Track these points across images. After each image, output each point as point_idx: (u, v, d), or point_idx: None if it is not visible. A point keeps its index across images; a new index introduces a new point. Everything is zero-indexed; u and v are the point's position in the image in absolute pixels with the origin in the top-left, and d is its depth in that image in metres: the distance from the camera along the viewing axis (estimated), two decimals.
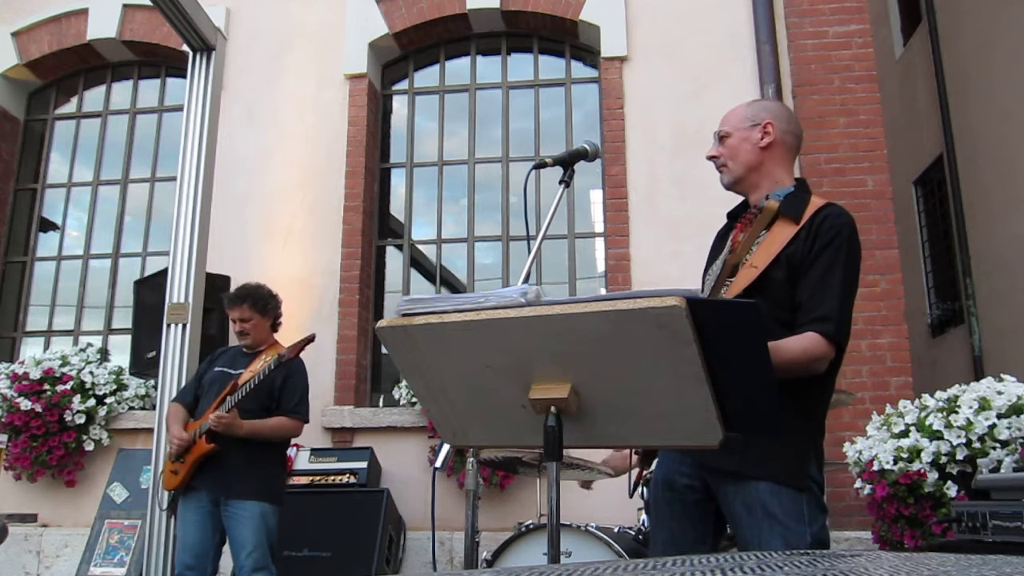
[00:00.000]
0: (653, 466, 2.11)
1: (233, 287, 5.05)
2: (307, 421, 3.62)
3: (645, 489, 3.01)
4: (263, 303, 3.67)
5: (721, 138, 2.09)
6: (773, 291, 1.84)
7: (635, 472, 2.95)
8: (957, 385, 3.52)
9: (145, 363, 5.11)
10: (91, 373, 5.28)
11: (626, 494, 2.71)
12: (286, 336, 3.82)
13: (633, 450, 2.90)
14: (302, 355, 3.54)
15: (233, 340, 4.10)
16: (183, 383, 3.93)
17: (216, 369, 3.67)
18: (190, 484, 3.49)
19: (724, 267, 1.97)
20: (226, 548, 3.55)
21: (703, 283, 2.09)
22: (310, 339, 3.50)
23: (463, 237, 5.71)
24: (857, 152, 5.02)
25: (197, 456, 3.43)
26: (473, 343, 1.44)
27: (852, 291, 1.90)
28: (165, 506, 3.64)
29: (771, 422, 1.43)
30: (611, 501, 4.06)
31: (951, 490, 3.25)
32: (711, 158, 2.12)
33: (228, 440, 3.40)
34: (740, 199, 2.13)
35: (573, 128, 5.73)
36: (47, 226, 6.38)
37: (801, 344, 1.81)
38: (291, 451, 4.73)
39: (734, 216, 2.16)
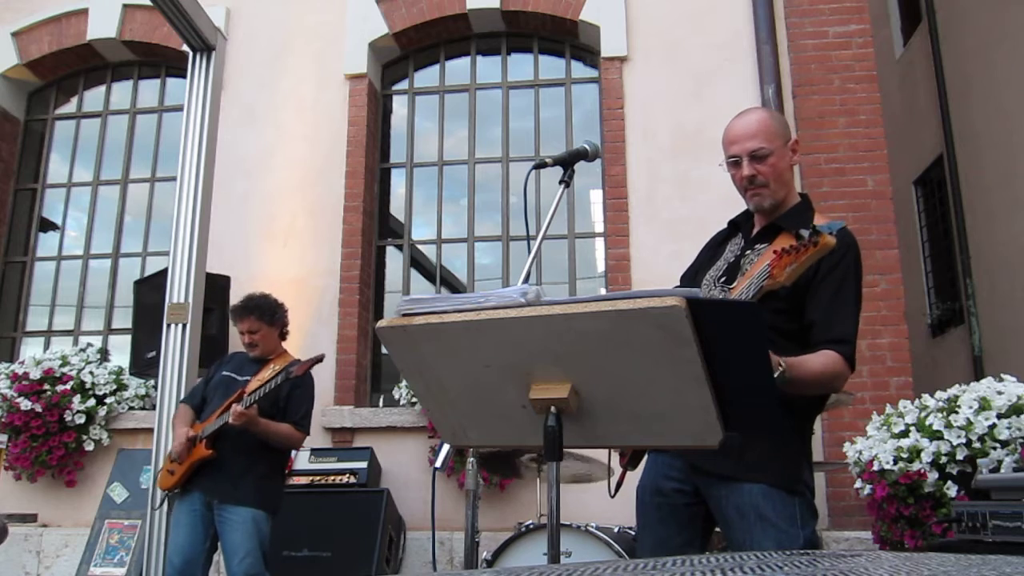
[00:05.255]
0: (640, 467, 2.08)
1: (233, 287, 5.07)
2: (308, 434, 3.62)
3: None
4: (271, 313, 3.62)
5: (760, 157, 1.93)
6: (773, 302, 1.82)
7: (617, 473, 2.94)
8: (957, 385, 3.52)
9: (145, 363, 5.10)
10: (91, 373, 5.28)
11: (626, 494, 2.70)
12: (288, 339, 3.82)
13: (619, 452, 2.89)
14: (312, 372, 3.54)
15: (235, 341, 4.08)
16: (183, 383, 3.93)
17: (222, 373, 3.65)
18: (185, 486, 3.47)
19: (759, 292, 1.77)
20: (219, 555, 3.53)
21: (698, 285, 2.06)
22: (319, 359, 3.48)
23: (463, 237, 5.71)
24: (857, 152, 5.02)
25: (195, 459, 3.42)
26: (473, 343, 1.44)
27: (859, 309, 1.92)
28: (157, 505, 3.63)
29: (771, 422, 1.43)
30: (611, 501, 4.06)
31: (951, 490, 3.25)
32: (749, 177, 1.94)
33: (229, 446, 3.39)
34: (743, 206, 2.07)
35: (573, 128, 5.72)
36: (47, 226, 6.38)
37: (821, 362, 1.79)
38: (291, 452, 4.74)
39: (736, 225, 2.11)
